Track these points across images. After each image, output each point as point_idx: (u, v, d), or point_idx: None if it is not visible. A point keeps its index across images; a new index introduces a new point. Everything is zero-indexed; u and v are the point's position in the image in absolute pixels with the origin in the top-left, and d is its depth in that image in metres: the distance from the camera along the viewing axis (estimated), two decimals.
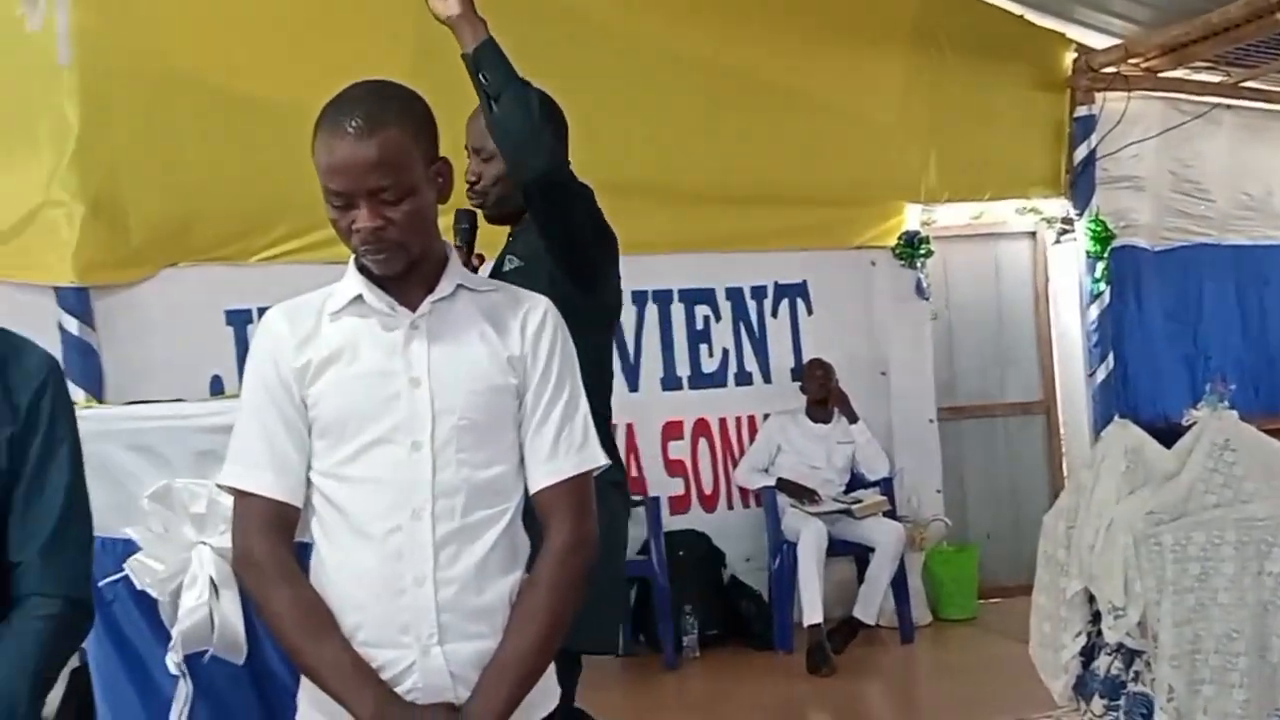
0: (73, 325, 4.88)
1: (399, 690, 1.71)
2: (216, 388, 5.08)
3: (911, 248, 6.33)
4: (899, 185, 6.36)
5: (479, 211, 2.86)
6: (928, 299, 6.40)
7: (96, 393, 4.79)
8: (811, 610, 5.42)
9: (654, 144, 5.78)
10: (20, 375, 1.71)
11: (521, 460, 1.82)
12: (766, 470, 5.94)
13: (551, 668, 1.84)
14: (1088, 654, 3.46)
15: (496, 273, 2.87)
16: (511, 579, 1.79)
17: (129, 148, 4.97)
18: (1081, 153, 6.64)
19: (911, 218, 6.40)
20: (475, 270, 2.88)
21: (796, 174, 6.04)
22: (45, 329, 4.61)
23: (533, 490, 1.82)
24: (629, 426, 5.92)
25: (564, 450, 1.82)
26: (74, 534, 1.73)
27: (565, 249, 2.66)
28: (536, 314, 1.85)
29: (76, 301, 4.91)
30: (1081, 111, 6.63)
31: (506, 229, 2.89)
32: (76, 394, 4.34)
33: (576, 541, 1.80)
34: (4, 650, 1.65)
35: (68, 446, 1.73)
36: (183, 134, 5.04)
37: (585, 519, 1.82)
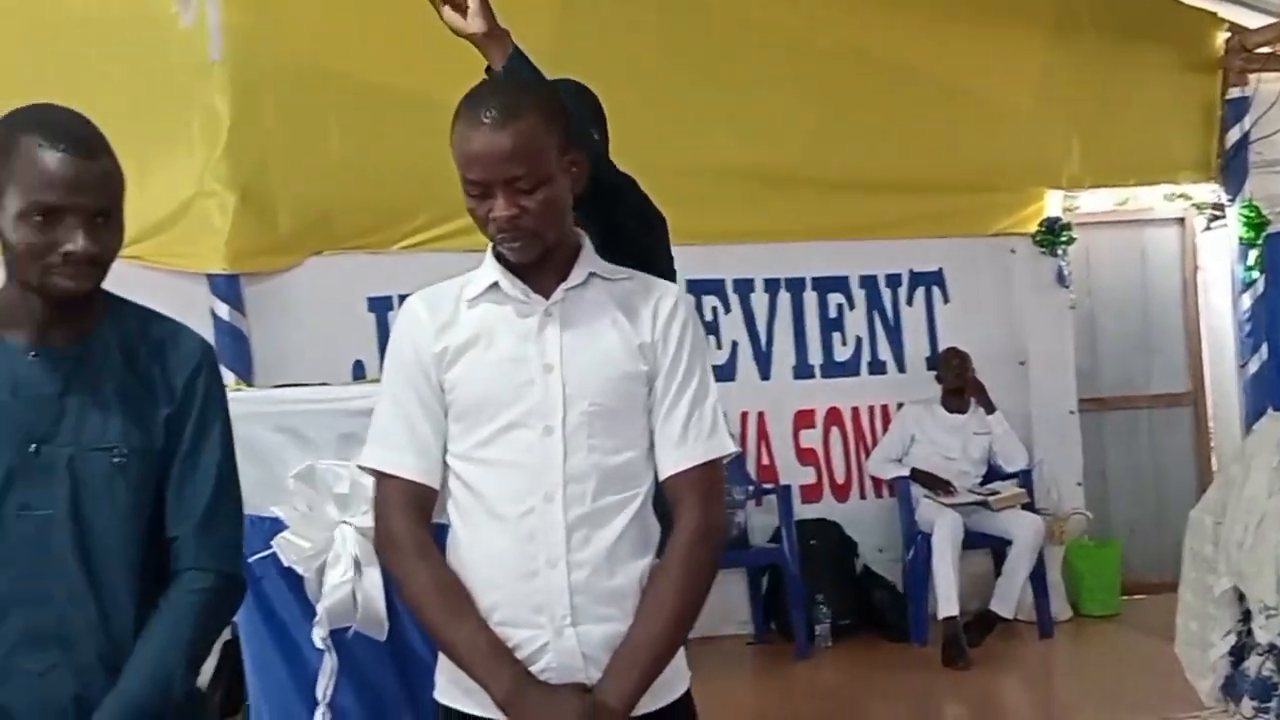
0: (224, 311, 5.08)
1: (533, 669, 1.74)
2: (358, 372, 5.23)
3: (1053, 235, 6.17)
4: (1040, 171, 6.21)
5: None
6: (1069, 287, 6.23)
7: (246, 376, 4.97)
8: (947, 602, 5.35)
9: (793, 132, 5.76)
10: (176, 358, 1.78)
11: (651, 446, 1.84)
12: (900, 460, 5.87)
13: (682, 651, 1.86)
14: (1237, 654, 3.34)
15: None
16: (642, 563, 1.81)
17: (277, 140, 5.14)
18: (1234, 136, 6.38)
19: (1053, 204, 6.24)
20: None
21: (935, 160, 5.94)
22: (199, 314, 4.80)
23: (662, 476, 1.84)
24: (760, 415, 5.91)
25: (693, 437, 1.83)
26: (226, 510, 1.80)
27: (612, 245, 2.69)
28: (668, 301, 1.86)
29: (228, 288, 5.10)
30: (1234, 93, 6.37)
31: None
32: (227, 377, 4.50)
33: (706, 528, 1.81)
34: (161, 621, 1.73)
35: (220, 426, 1.80)
36: (328, 126, 5.20)
37: (714, 505, 1.83)
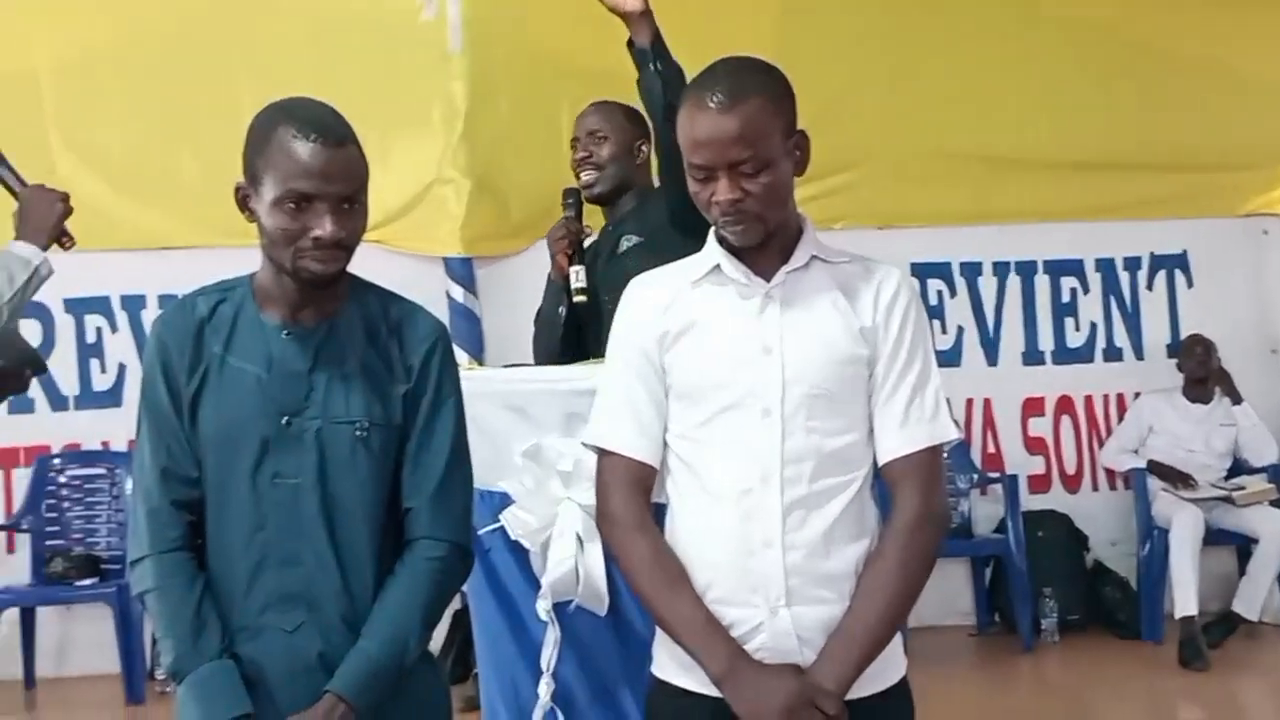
0: (458, 293, 5.28)
1: (747, 648, 1.76)
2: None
3: None
4: None
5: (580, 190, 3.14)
6: None
7: (478, 356, 5.16)
8: (1185, 601, 5.09)
9: (1026, 110, 5.58)
10: (413, 338, 1.87)
11: (871, 431, 1.83)
12: (1136, 452, 5.62)
13: (898, 638, 1.84)
14: None
15: (611, 255, 3.10)
16: (859, 547, 1.80)
17: (511, 127, 5.30)
18: None
19: None
20: (583, 239, 3.10)
21: (1181, 137, 5.65)
22: (434, 296, 5.01)
23: (881, 461, 1.82)
24: (986, 402, 5.76)
25: (914, 421, 1.81)
26: (458, 484, 1.89)
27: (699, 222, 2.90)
28: (890, 284, 1.85)
29: (462, 271, 5.30)
30: None
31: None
32: (461, 357, 4.68)
33: (925, 514, 1.79)
34: (398, 586, 1.82)
35: (453, 403, 1.89)
36: (559, 113, 5.31)
37: (934, 492, 1.81)
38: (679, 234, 2.83)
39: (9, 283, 2.54)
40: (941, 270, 5.77)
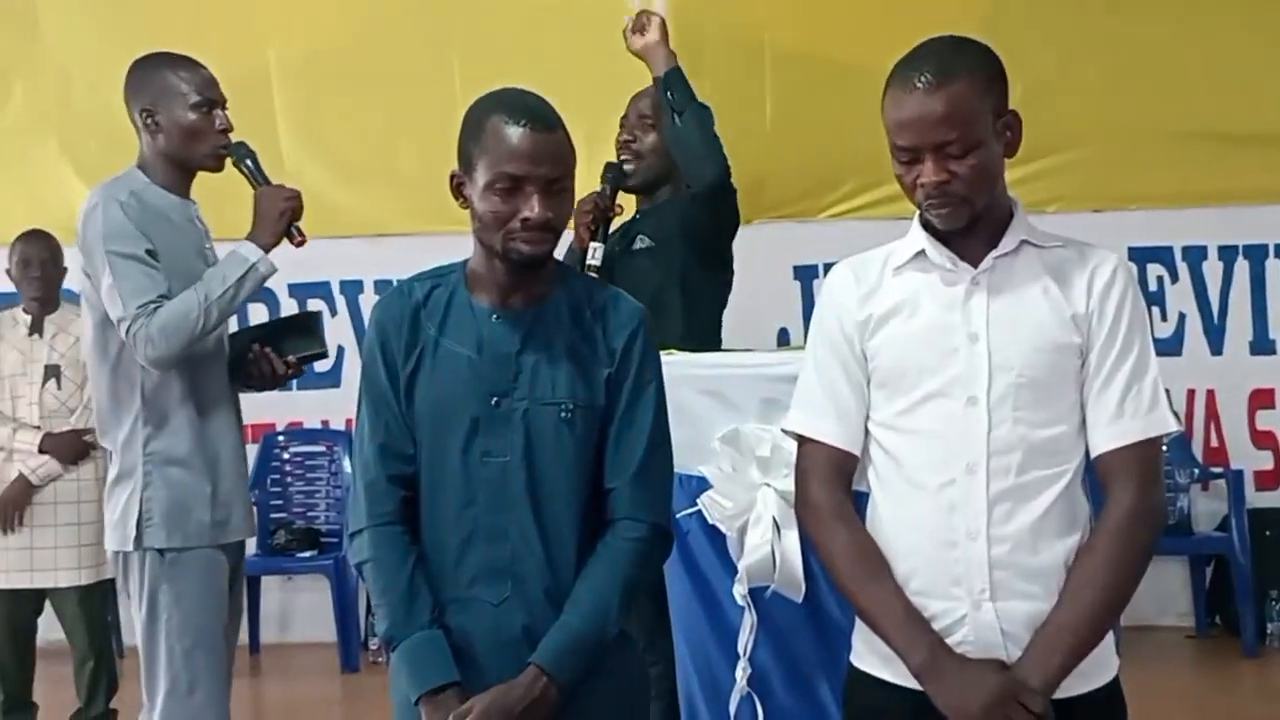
0: None
1: (949, 642, 1.73)
2: (783, 339, 5.32)
3: None
4: None
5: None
6: None
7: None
8: None
9: (1257, 82, 5.23)
10: (615, 323, 1.91)
11: (1083, 422, 1.77)
12: None
13: (1110, 637, 1.78)
14: None
15: (626, 250, 3.12)
16: (1069, 542, 1.74)
17: (715, 112, 5.31)
18: None
19: None
20: (611, 216, 3.08)
21: None
22: None
23: (1094, 453, 1.76)
24: (1209, 393, 5.47)
25: (1130, 413, 1.74)
26: (658, 466, 1.92)
27: (706, 242, 3.16)
28: (1105, 270, 1.78)
29: None
30: None
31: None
32: None
33: (1140, 509, 1.72)
34: (600, 563, 1.87)
35: (654, 388, 1.92)
36: (762, 97, 5.31)
37: (1151, 486, 1.74)
38: (692, 253, 3.10)
39: (221, 281, 2.65)
40: (1162, 255, 5.51)
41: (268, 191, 2.76)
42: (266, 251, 2.71)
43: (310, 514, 5.41)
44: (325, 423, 5.50)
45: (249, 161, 2.78)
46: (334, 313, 5.51)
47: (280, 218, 2.72)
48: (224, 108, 2.77)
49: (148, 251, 2.62)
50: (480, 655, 1.85)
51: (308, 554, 5.22)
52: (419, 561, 1.87)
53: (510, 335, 1.88)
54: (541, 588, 1.86)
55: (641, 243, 3.19)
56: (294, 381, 5.45)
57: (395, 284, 1.98)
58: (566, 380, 1.87)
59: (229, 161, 2.79)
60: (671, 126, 2.92)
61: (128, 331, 2.60)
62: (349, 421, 5.06)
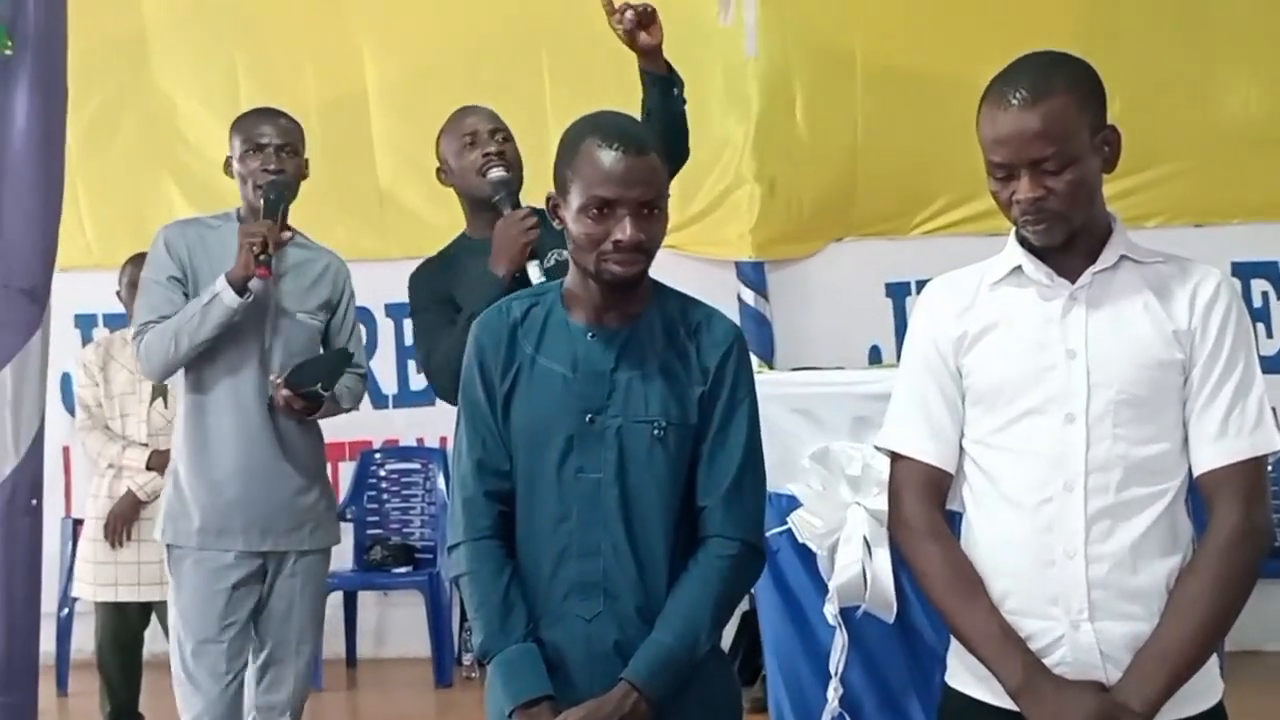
0: (749, 297, 5.31)
1: (1046, 662, 1.71)
2: (875, 357, 5.28)
3: None
4: None
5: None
6: None
7: (768, 359, 5.18)
8: None
9: None
10: (709, 341, 1.92)
11: (1185, 440, 1.74)
12: None
13: (1214, 661, 1.74)
14: None
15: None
16: (1171, 562, 1.71)
17: (803, 130, 5.30)
18: None
19: None
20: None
21: None
22: (726, 299, 5.06)
23: (1197, 472, 1.73)
24: None
25: (1234, 431, 1.71)
26: (750, 485, 1.92)
27: None
28: (1208, 286, 1.75)
29: (753, 274, 5.33)
30: None
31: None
32: (752, 359, 4.73)
33: (1245, 530, 1.69)
34: (691, 581, 1.87)
35: (747, 407, 1.92)
36: (852, 113, 5.28)
37: (1257, 506, 1.70)
38: None
39: (191, 307, 2.86)
40: (1267, 269, 5.35)
41: (244, 226, 2.95)
42: (235, 283, 2.84)
43: (406, 530, 5.48)
44: (420, 440, 5.57)
45: (271, 195, 2.94)
46: None
47: (240, 251, 2.86)
48: (284, 151, 2.99)
49: (173, 278, 2.93)
50: (573, 669, 1.87)
51: (403, 570, 5.29)
52: (514, 576, 1.89)
53: (604, 353, 1.90)
54: (633, 604, 1.87)
55: (557, 256, 2.87)
56: (389, 399, 5.63)
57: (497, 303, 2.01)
58: (659, 398, 1.88)
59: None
60: (675, 99, 2.88)
61: (135, 345, 2.97)
62: (444, 439, 5.12)
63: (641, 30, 2.71)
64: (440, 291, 2.80)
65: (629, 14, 2.66)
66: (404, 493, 5.50)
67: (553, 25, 5.37)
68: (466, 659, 5.15)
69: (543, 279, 2.70)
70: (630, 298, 1.91)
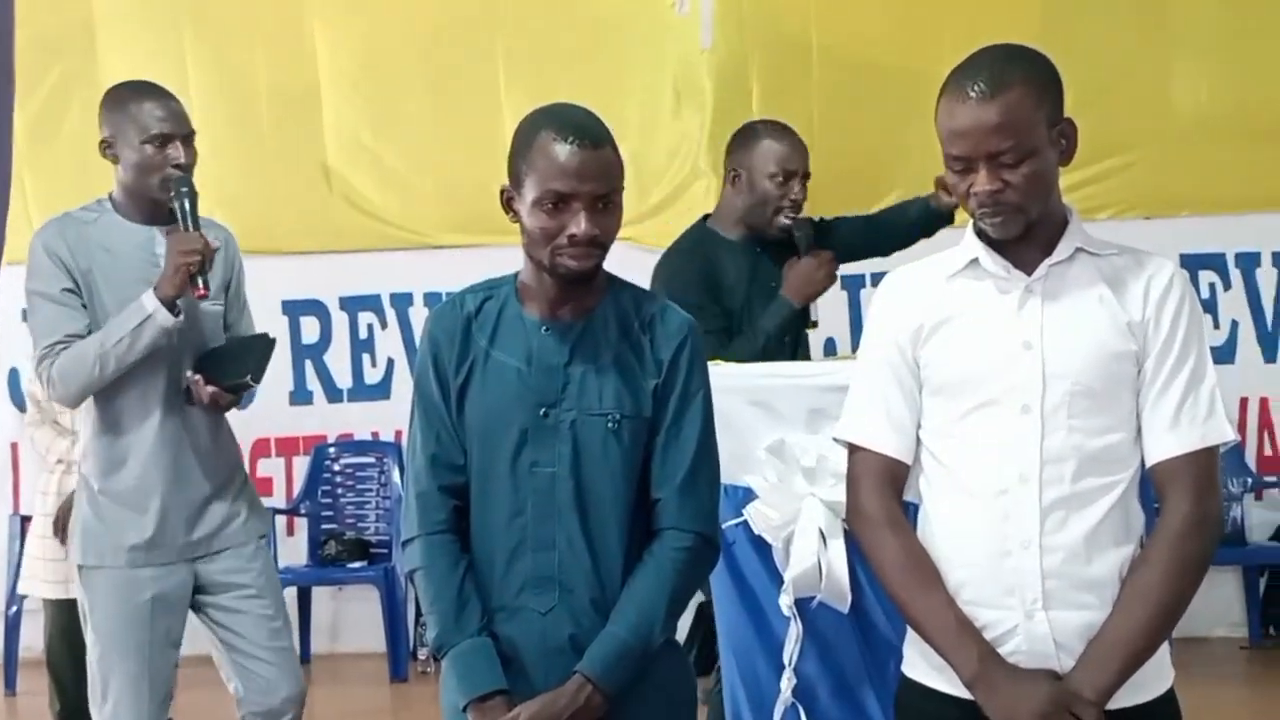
0: None
1: (1001, 651, 1.72)
2: (830, 349, 5.30)
3: None
4: None
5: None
6: None
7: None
8: None
9: None
10: (663, 334, 1.92)
11: (1139, 431, 1.76)
12: None
13: (1165, 648, 1.76)
14: None
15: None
16: (1124, 552, 1.73)
17: (760, 114, 5.30)
18: None
19: None
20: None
21: None
22: None
23: (1150, 462, 1.75)
24: (1262, 401, 5.39)
25: (1186, 421, 1.73)
26: (705, 477, 1.92)
27: None
28: (1162, 277, 1.77)
29: None
30: None
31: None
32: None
33: (1197, 519, 1.71)
34: (646, 573, 1.87)
35: (701, 399, 1.92)
36: (808, 105, 5.28)
37: (1208, 496, 1.72)
38: None
39: (118, 329, 2.64)
40: (1214, 261, 5.44)
41: (172, 240, 2.70)
42: (167, 303, 2.64)
43: (360, 525, 5.45)
44: (375, 434, 5.54)
45: (185, 202, 2.71)
46: (384, 325, 5.56)
47: (176, 272, 2.65)
48: (186, 140, 2.75)
49: (66, 290, 2.68)
50: (528, 663, 1.87)
51: (358, 565, 5.26)
52: (469, 570, 1.89)
53: (559, 347, 1.90)
54: (588, 597, 1.87)
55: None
56: (344, 393, 5.60)
57: (445, 296, 2.00)
58: (613, 391, 1.88)
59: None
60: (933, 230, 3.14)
61: (37, 369, 2.71)
62: (399, 433, 5.10)
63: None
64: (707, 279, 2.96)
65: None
66: (358, 487, 5.47)
67: (508, 14, 5.35)
68: (421, 653, 5.13)
69: (817, 316, 2.98)
70: (585, 291, 1.91)
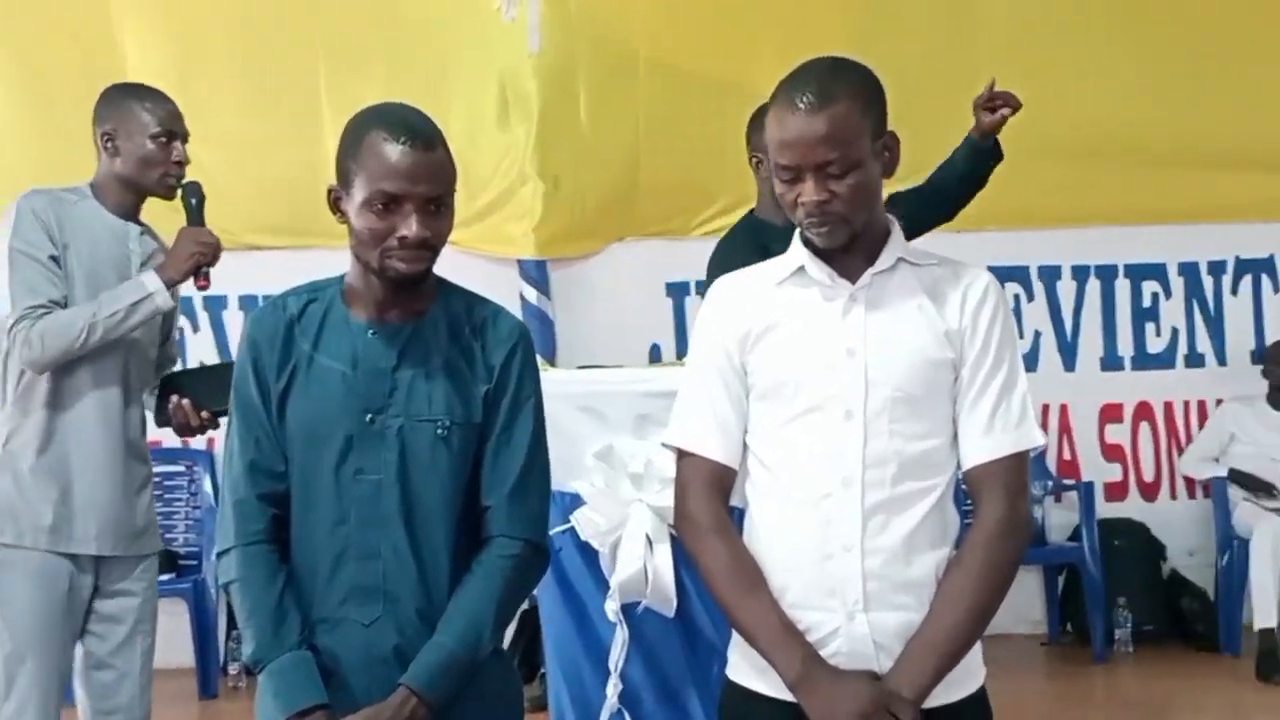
0: (532, 295, 5.29)
1: (823, 653, 1.75)
2: (655, 355, 5.35)
3: None
4: None
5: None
6: None
7: (550, 357, 5.17)
8: (1265, 613, 4.98)
9: (1109, 104, 5.40)
10: (495, 339, 1.89)
11: (955, 436, 1.81)
12: (1217, 460, 5.50)
13: (978, 646, 1.82)
14: None
15: None
16: (940, 554, 1.78)
17: (587, 129, 5.31)
18: None
19: None
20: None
21: (1266, 138, 5.47)
22: (508, 298, 5.03)
23: (965, 467, 1.80)
24: (1062, 408, 5.67)
25: (1000, 427, 1.79)
26: (535, 484, 1.90)
27: None
28: (978, 288, 1.82)
29: (536, 273, 5.31)
30: None
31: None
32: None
33: (1010, 522, 1.77)
34: (474, 582, 1.84)
35: (532, 405, 1.90)
36: (634, 113, 5.32)
37: (1019, 499, 1.79)
38: None
39: (114, 302, 2.67)
40: (1018, 274, 5.69)
41: (189, 232, 2.81)
42: (169, 286, 2.73)
43: (169, 536, 5.22)
44: (185, 442, 5.29)
45: (193, 200, 2.85)
46: (196, 329, 5.35)
47: (188, 259, 2.76)
48: (184, 141, 2.85)
49: (52, 258, 2.68)
50: (350, 676, 1.82)
51: (166, 577, 5.03)
52: (288, 581, 1.83)
53: (386, 351, 1.85)
54: (414, 607, 1.83)
55: None
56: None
57: (263, 300, 1.94)
58: (443, 397, 1.84)
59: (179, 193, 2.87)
60: (989, 170, 3.19)
61: (12, 328, 2.65)
62: (211, 441, 4.90)
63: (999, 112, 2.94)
64: None
65: (1004, 111, 3.01)
66: (167, 496, 5.24)
67: (328, 13, 5.22)
68: (233, 668, 4.96)
69: None
70: (414, 294, 1.87)
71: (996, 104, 3.00)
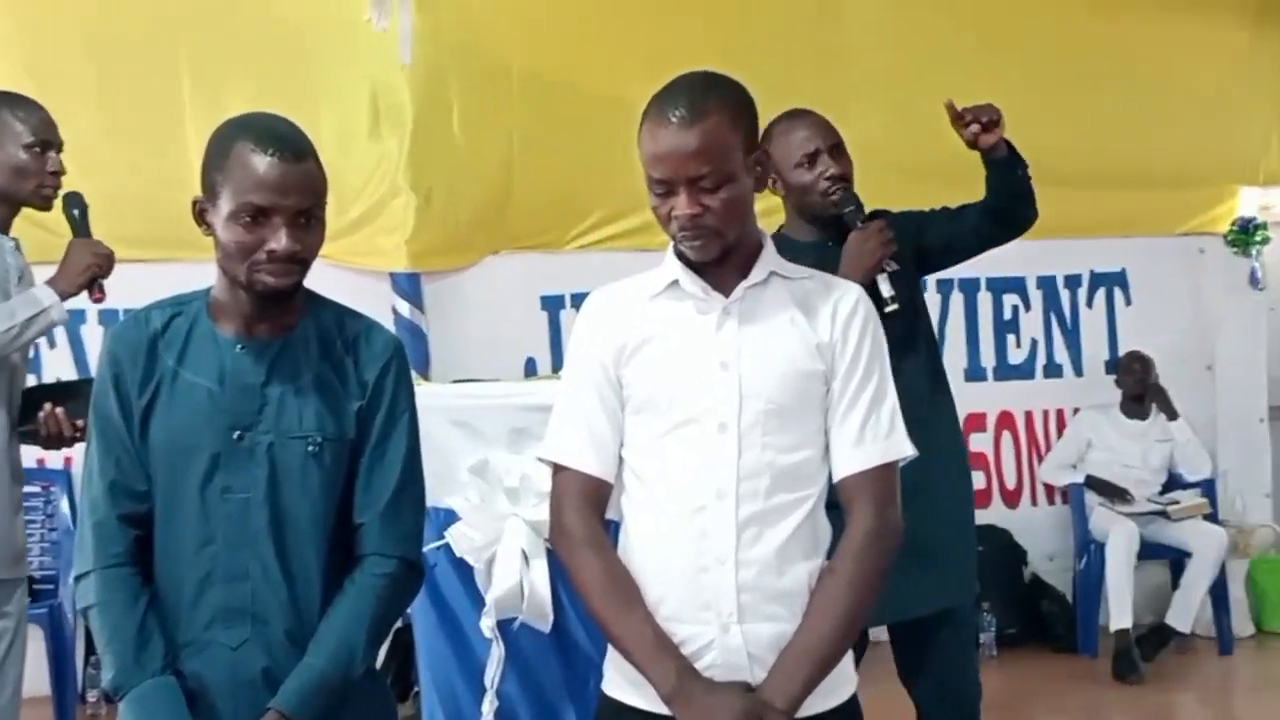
0: (405, 309, 5.22)
1: (698, 665, 1.75)
2: (530, 369, 5.32)
3: (1246, 234, 5.90)
4: (1234, 167, 5.91)
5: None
6: (1263, 290, 5.95)
7: (424, 371, 5.11)
8: (1119, 614, 5.17)
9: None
10: (369, 354, 1.86)
11: (827, 447, 1.84)
12: (1074, 467, 5.70)
13: (849, 655, 1.85)
14: None
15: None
16: (812, 564, 1.80)
17: (459, 141, 5.26)
18: None
19: (1247, 202, 5.96)
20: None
21: (1119, 155, 5.67)
22: (381, 311, 4.95)
23: (836, 477, 1.83)
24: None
25: (870, 438, 1.82)
26: (409, 501, 1.87)
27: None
28: (848, 301, 1.86)
29: (409, 286, 5.24)
30: None
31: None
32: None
33: (879, 531, 1.80)
34: (346, 602, 1.81)
35: (407, 421, 1.88)
36: (508, 126, 5.29)
37: (889, 509, 1.82)
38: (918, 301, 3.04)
39: (9, 317, 2.63)
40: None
41: (80, 243, 2.78)
42: (63, 299, 2.71)
43: None
44: (41, 461, 5.08)
45: (76, 211, 2.84)
46: (52, 345, 5.13)
47: (84, 271, 2.74)
48: (59, 150, 2.81)
49: None
50: (217, 701, 1.77)
51: None
52: (151, 604, 1.77)
53: (255, 366, 1.81)
54: (283, 628, 1.79)
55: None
56: None
57: (123, 314, 1.88)
58: (314, 413, 1.81)
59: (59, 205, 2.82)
60: (1019, 177, 3.11)
61: None
62: (68, 460, 4.72)
63: (984, 135, 2.81)
64: None
65: (974, 127, 2.82)
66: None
67: (191, 17, 5.08)
68: (91, 695, 4.78)
69: (892, 292, 2.69)
70: (284, 309, 1.83)
71: (966, 121, 2.88)
